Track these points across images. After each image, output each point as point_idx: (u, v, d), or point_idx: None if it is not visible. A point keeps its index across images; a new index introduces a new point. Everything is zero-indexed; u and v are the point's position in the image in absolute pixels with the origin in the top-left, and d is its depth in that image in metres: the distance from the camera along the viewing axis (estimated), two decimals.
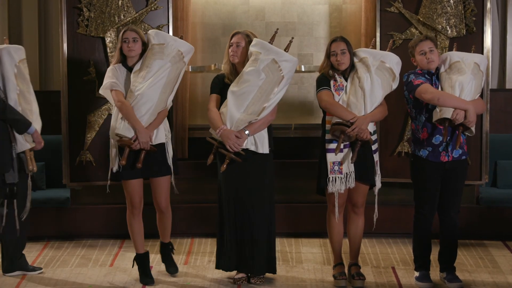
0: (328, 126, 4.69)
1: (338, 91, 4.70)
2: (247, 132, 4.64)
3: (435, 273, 4.89)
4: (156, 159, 4.75)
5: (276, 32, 4.85)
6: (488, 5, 5.61)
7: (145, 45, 4.76)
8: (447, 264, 4.83)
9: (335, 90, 4.69)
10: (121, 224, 5.83)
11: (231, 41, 4.72)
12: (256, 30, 6.22)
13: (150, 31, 4.80)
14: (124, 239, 5.80)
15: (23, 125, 4.70)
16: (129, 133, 4.65)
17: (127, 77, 4.75)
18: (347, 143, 4.67)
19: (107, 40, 5.60)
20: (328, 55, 4.72)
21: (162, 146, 4.78)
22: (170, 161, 4.81)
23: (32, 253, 5.49)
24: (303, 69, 6.17)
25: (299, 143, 6.10)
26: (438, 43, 5.55)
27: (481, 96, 5.05)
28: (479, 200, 5.81)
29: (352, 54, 4.72)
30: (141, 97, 4.64)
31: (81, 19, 5.60)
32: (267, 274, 4.87)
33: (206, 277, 4.98)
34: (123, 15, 5.61)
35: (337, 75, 4.72)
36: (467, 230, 5.66)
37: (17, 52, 4.81)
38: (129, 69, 4.76)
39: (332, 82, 4.71)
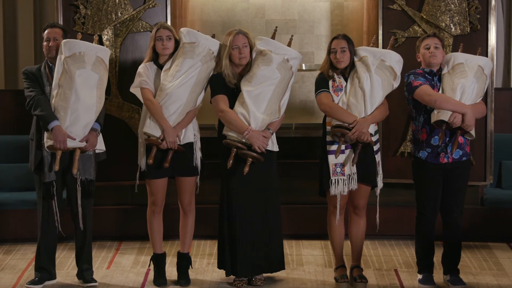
0: (328, 128, 4.66)
1: (337, 92, 4.65)
2: (270, 130, 4.62)
3: (438, 275, 4.85)
4: (183, 158, 4.71)
5: (275, 30, 4.83)
6: (493, 2, 5.57)
7: (177, 43, 4.72)
8: (451, 266, 4.79)
9: (333, 91, 4.64)
10: (119, 225, 5.82)
11: (236, 43, 4.63)
12: (256, 28, 6.21)
13: (181, 29, 4.75)
14: (122, 241, 5.77)
15: (44, 121, 4.56)
16: (157, 132, 4.62)
17: (158, 76, 4.70)
18: (348, 144, 4.60)
19: (104, 38, 5.54)
20: (329, 52, 4.67)
21: (190, 145, 4.74)
22: (197, 162, 4.76)
23: (27, 255, 5.46)
24: (304, 68, 6.11)
25: (300, 143, 6.05)
26: None
27: (485, 96, 5.00)
28: (483, 201, 5.77)
29: (353, 53, 4.65)
30: (169, 96, 4.59)
31: (77, 16, 5.55)
32: (267, 275, 4.84)
33: (205, 280, 4.93)
34: (120, 13, 5.55)
35: (336, 75, 4.67)
36: (471, 231, 5.61)
37: (67, 47, 4.59)
38: (161, 67, 4.72)
39: (330, 83, 4.65)
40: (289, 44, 4.75)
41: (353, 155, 4.60)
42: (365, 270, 4.90)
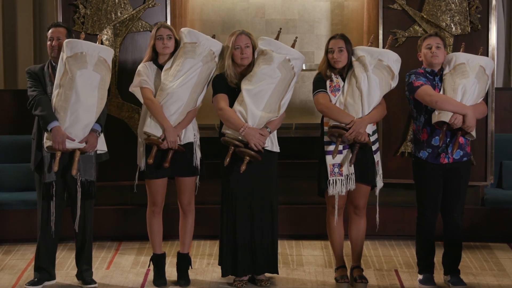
0: (326, 128, 4.64)
1: (334, 92, 4.64)
2: (268, 129, 4.60)
3: (439, 276, 4.84)
4: (183, 159, 4.69)
5: (279, 32, 4.83)
6: (493, 2, 5.55)
7: (177, 43, 4.71)
8: (451, 266, 4.78)
9: (331, 92, 4.64)
10: (118, 225, 5.80)
11: (238, 44, 4.63)
12: (256, 27, 6.19)
13: (182, 29, 4.74)
14: (121, 241, 5.75)
15: (43, 121, 4.54)
16: (157, 132, 4.60)
17: (157, 75, 4.69)
18: (346, 145, 4.59)
19: (104, 37, 5.52)
20: (327, 52, 4.66)
21: (190, 145, 4.72)
22: (197, 162, 4.75)
23: (27, 255, 5.44)
24: (304, 68, 6.08)
25: (300, 143, 6.03)
26: None
27: (486, 96, 4.99)
28: (484, 202, 5.75)
29: (351, 53, 4.64)
30: (170, 96, 4.58)
31: (77, 16, 5.54)
32: (267, 276, 4.83)
33: (205, 280, 4.92)
34: (119, 12, 5.54)
35: (334, 75, 4.65)
36: (472, 232, 5.59)
37: (69, 47, 4.57)
38: (160, 67, 4.71)
39: (328, 83, 4.64)
40: (293, 46, 4.74)
41: (350, 155, 4.58)
42: (365, 271, 4.89)
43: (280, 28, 4.89)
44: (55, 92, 4.57)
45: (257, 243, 4.70)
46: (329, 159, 4.62)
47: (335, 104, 4.61)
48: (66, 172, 4.65)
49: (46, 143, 4.54)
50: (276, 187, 4.76)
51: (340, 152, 4.60)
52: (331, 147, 4.61)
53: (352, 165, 4.59)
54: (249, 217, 4.69)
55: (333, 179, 4.62)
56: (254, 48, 4.68)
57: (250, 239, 4.69)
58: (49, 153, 4.60)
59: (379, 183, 4.74)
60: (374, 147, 4.68)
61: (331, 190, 4.62)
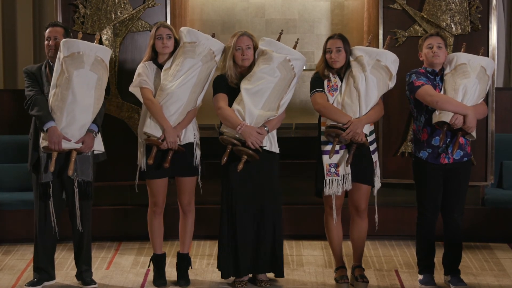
0: (323, 128, 4.64)
1: (332, 92, 4.63)
2: (266, 128, 4.59)
3: (439, 276, 4.83)
4: (183, 158, 4.69)
5: (281, 33, 4.83)
6: (494, 2, 5.55)
7: (177, 43, 4.70)
8: (452, 266, 4.78)
9: (328, 91, 4.63)
10: (118, 225, 5.80)
11: (239, 45, 4.62)
12: (256, 27, 6.19)
13: (182, 29, 4.74)
14: (121, 241, 5.75)
15: (40, 121, 4.53)
16: (157, 132, 4.60)
17: (157, 75, 4.68)
18: (343, 145, 4.59)
19: (104, 37, 5.52)
20: (324, 52, 4.66)
21: (190, 146, 4.72)
22: (197, 162, 4.74)
23: (26, 255, 5.44)
24: (304, 68, 6.07)
25: (300, 143, 6.02)
26: None
27: (486, 96, 4.99)
28: (484, 202, 5.74)
29: (349, 53, 4.63)
30: (170, 96, 4.57)
31: (76, 16, 5.53)
32: (268, 276, 4.83)
33: (205, 280, 4.92)
34: (119, 12, 5.53)
35: (331, 74, 4.65)
36: (472, 232, 5.59)
37: (66, 47, 4.54)
38: (160, 67, 4.70)
39: (326, 82, 4.64)
40: (294, 47, 4.74)
41: (347, 156, 4.58)
42: (365, 271, 4.87)
43: (282, 30, 4.88)
44: (51, 92, 4.56)
45: (257, 243, 4.69)
46: (325, 159, 4.61)
47: (332, 104, 4.61)
48: (63, 172, 4.63)
49: (42, 143, 4.52)
50: (278, 188, 4.74)
51: (337, 152, 4.60)
52: (328, 147, 4.60)
53: (349, 165, 4.58)
54: (249, 217, 4.68)
55: (329, 179, 4.61)
56: (255, 49, 4.67)
57: (251, 239, 4.69)
58: (45, 153, 4.59)
59: (377, 183, 4.73)
60: (372, 147, 4.67)
61: (327, 190, 4.61)
